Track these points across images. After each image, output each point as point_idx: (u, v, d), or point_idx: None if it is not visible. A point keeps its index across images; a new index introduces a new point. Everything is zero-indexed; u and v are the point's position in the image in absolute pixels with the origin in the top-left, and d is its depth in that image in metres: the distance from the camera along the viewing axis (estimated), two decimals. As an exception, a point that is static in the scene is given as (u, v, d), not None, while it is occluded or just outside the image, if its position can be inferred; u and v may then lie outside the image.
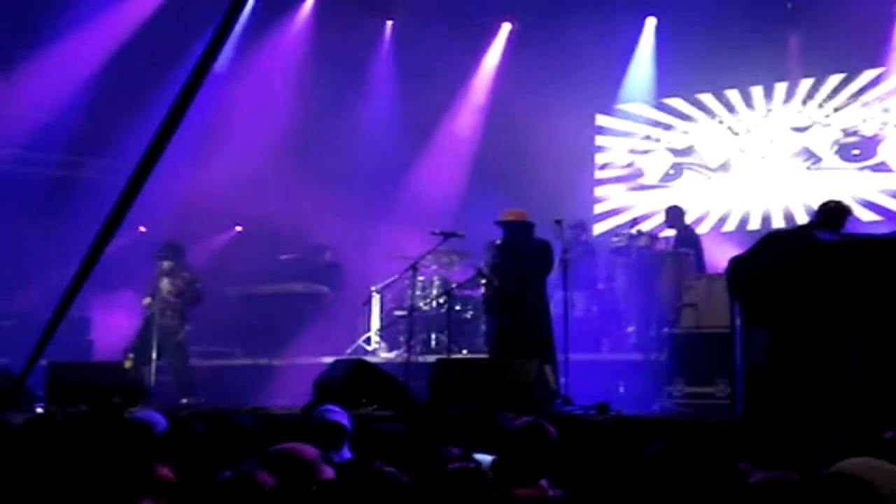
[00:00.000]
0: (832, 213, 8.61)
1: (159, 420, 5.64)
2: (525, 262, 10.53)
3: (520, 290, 10.50)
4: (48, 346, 4.12)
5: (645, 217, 15.37)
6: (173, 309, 12.59)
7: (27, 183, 15.36)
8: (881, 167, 14.64)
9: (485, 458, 4.91)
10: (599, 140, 17.13)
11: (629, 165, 16.81)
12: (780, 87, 15.58)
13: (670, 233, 13.72)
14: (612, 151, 17.01)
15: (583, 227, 14.46)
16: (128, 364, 10.97)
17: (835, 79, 15.13)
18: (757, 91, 15.77)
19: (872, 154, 14.76)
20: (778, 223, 14.76)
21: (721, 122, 16.04)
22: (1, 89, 14.76)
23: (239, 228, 16.62)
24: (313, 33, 16.56)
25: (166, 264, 12.64)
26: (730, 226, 15.47)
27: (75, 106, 15.10)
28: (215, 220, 15.96)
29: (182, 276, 12.72)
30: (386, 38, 17.30)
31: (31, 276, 14.37)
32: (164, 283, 12.62)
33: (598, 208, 16.80)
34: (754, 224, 15.20)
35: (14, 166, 15.72)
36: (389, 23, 17.25)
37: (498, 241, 11.08)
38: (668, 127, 16.49)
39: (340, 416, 6.01)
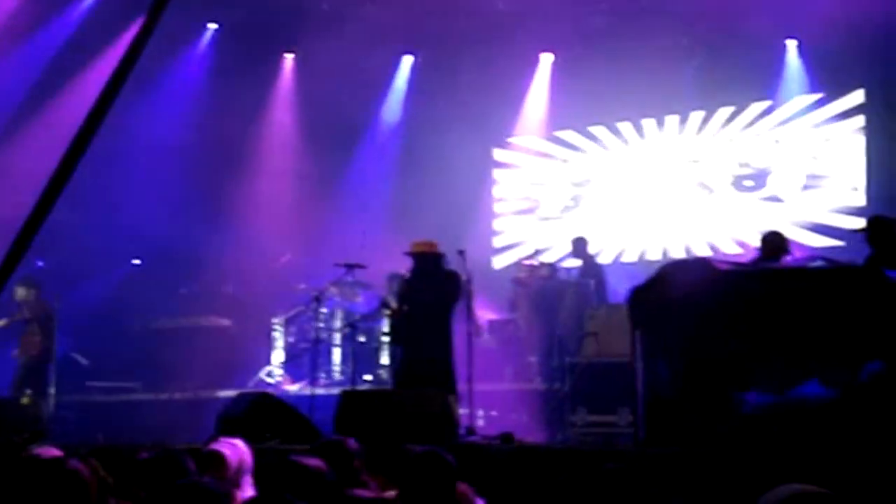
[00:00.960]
0: (769, 243, 9.15)
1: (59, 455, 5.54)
2: (435, 292, 10.52)
3: (427, 321, 10.49)
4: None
5: (546, 249, 15.54)
6: None
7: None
8: (773, 198, 14.98)
9: None
10: (497, 173, 17.28)
11: (528, 198, 16.98)
12: (675, 120, 15.87)
13: (575, 263, 13.92)
14: (511, 184, 17.17)
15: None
16: (25, 400, 10.76)
17: (727, 111, 15.44)
18: (652, 123, 16.05)
19: (763, 184, 15.11)
20: (677, 253, 15.02)
21: (619, 154, 16.29)
22: None
23: (137, 262, 16.39)
24: (214, 65, 16.47)
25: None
26: (629, 256, 15.71)
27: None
28: (114, 252, 15.70)
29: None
30: (286, 71, 17.26)
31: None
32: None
33: (498, 241, 16.94)
34: (654, 254, 15.45)
35: None
36: (290, 56, 17.22)
37: (406, 272, 11.05)
38: (566, 159, 16.70)
39: (234, 448, 5.97)
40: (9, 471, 4.43)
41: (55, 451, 5.69)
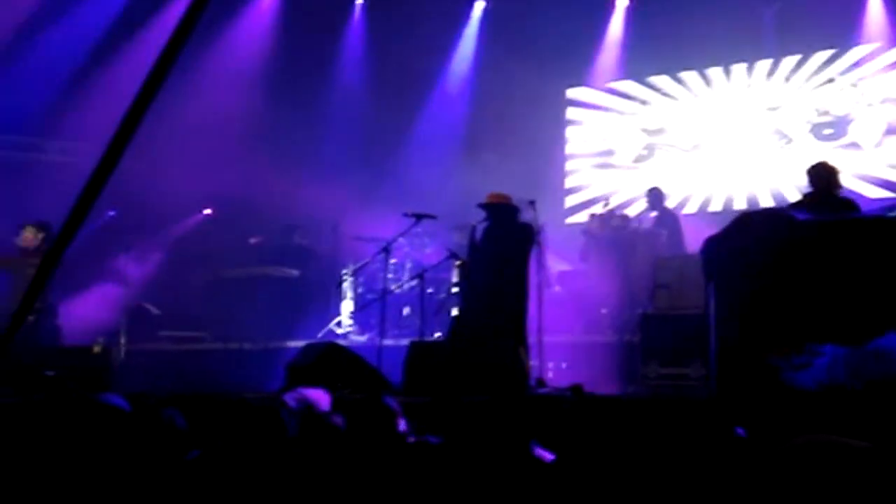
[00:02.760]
0: (819, 175, 8.86)
1: (122, 404, 5.54)
2: (510, 242, 10.42)
3: (502, 271, 10.40)
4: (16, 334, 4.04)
5: (617, 199, 15.35)
6: None
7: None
8: (852, 146, 14.67)
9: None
10: (570, 121, 17.07)
11: (600, 147, 16.77)
12: (750, 66, 15.57)
13: (650, 214, 13.79)
14: (583, 133, 16.96)
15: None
16: (97, 348, 10.83)
17: (806, 57, 15.12)
18: (730, 70, 15.75)
19: (843, 133, 14.79)
20: (751, 203, 14.76)
21: (694, 102, 16.01)
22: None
23: (208, 211, 16.49)
24: (282, 13, 16.43)
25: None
26: (702, 206, 15.46)
27: (40, 88, 14.93)
28: (184, 203, 15.80)
29: None
30: (356, 18, 17.17)
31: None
32: None
33: (569, 191, 16.75)
34: (727, 204, 15.20)
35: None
36: (359, 2, 17.12)
37: (475, 223, 10.94)
38: (641, 105, 16.45)
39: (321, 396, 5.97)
40: (80, 418, 4.42)
41: (121, 401, 5.69)
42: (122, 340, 13.46)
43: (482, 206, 10.63)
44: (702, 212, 15.19)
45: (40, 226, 11.76)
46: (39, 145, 16.02)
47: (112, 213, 14.62)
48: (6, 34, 14.65)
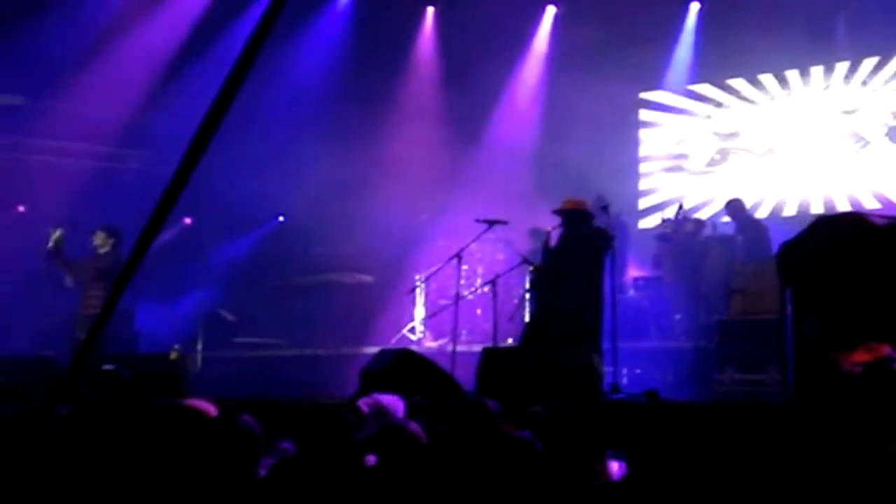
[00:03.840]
0: None
1: (209, 408, 5.59)
2: (584, 250, 10.37)
3: (577, 276, 10.36)
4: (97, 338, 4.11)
5: (691, 202, 15.22)
6: None
7: (75, 174, 15.43)
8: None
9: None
10: (643, 126, 16.96)
11: (673, 153, 16.63)
12: (828, 69, 15.35)
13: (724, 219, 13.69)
14: (656, 138, 16.85)
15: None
16: (174, 355, 10.96)
17: (880, 60, 14.88)
18: (808, 72, 15.53)
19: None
20: (828, 208, 14.54)
21: (767, 106, 15.83)
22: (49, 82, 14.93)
23: (281, 219, 16.64)
24: (355, 18, 16.54)
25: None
26: (776, 210, 15.26)
27: (119, 98, 15.17)
28: (258, 210, 15.97)
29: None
30: (427, 24, 17.23)
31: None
32: None
33: (642, 196, 16.64)
34: (802, 209, 14.97)
35: (61, 158, 15.82)
36: (431, 9, 17.18)
37: (553, 229, 10.90)
38: (716, 108, 16.29)
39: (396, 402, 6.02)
40: (164, 424, 4.48)
41: (210, 406, 5.74)
42: (199, 347, 13.63)
43: (557, 211, 10.60)
44: (775, 216, 14.96)
45: (110, 231, 11.92)
46: (119, 155, 16.28)
47: (188, 220, 14.82)
48: (86, 44, 14.92)
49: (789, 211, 15.13)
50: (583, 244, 10.39)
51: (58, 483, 4.00)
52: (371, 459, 4.82)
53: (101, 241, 11.91)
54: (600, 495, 4.12)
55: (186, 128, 3.51)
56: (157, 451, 4.21)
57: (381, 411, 5.93)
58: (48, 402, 4.11)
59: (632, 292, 13.36)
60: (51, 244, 11.81)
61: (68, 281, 11.98)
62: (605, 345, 10.14)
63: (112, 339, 11.41)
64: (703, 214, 14.62)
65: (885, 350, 7.28)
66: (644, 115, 16.95)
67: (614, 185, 14.95)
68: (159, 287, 14.78)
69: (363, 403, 6.12)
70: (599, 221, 10.72)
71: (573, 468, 4.51)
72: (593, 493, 4.21)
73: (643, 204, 16.51)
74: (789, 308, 8.20)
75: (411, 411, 6.17)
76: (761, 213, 15.00)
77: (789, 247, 8.34)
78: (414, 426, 4.79)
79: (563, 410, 4.96)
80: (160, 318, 14.23)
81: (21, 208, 15.53)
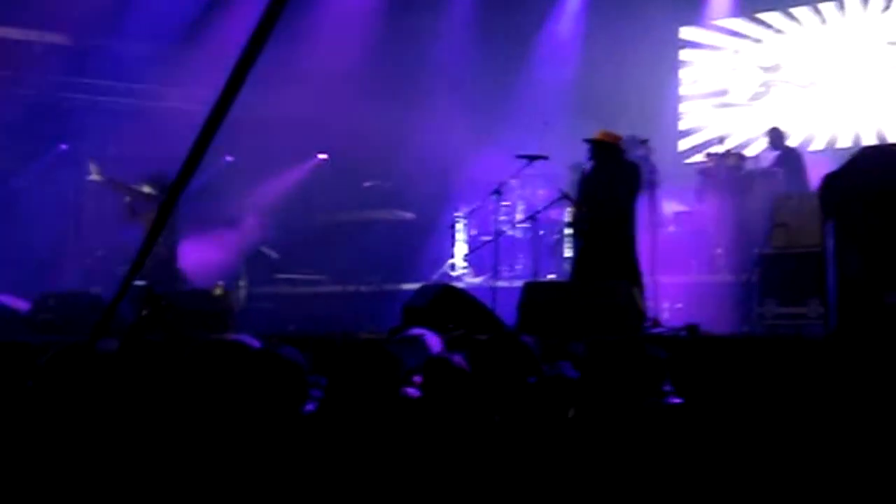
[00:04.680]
0: None
1: (253, 342, 5.64)
2: (614, 185, 10.34)
3: (608, 214, 10.34)
4: (138, 274, 4.16)
5: (733, 137, 15.07)
6: None
7: (115, 114, 15.50)
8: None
9: None
10: (684, 60, 16.76)
11: (715, 86, 16.44)
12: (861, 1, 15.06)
13: (770, 153, 13.57)
14: (698, 71, 16.64)
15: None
16: (218, 291, 11.08)
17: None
18: (843, 4, 15.26)
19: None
20: (870, 140, 14.33)
21: (812, 36, 15.57)
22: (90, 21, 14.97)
23: (323, 156, 16.65)
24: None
25: None
26: (820, 144, 15.06)
27: (159, 35, 15.17)
28: (299, 147, 15.99)
29: None
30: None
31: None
32: None
33: (684, 130, 16.48)
34: (845, 142, 14.77)
35: (104, 97, 15.90)
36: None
37: (586, 163, 10.90)
38: (754, 43, 16.06)
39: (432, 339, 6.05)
40: (209, 359, 4.53)
41: (253, 340, 5.79)
42: (242, 284, 13.74)
43: (588, 140, 10.55)
44: (829, 148, 14.73)
45: (154, 181, 12.05)
46: (160, 92, 16.31)
47: (230, 158, 14.88)
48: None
49: (843, 143, 14.87)
50: (609, 179, 10.37)
51: (104, 418, 4.07)
52: (413, 392, 4.86)
53: (148, 191, 12.06)
54: (646, 423, 4.14)
55: (227, 65, 3.52)
56: (203, 386, 4.27)
57: (420, 344, 5.97)
58: (91, 338, 4.17)
59: (672, 227, 13.31)
60: (93, 175, 11.97)
61: (130, 214, 12.12)
62: (646, 279, 10.14)
63: (157, 276, 11.55)
64: (746, 149, 14.45)
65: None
66: (683, 53, 16.73)
67: (655, 120, 14.85)
68: (202, 225, 14.87)
69: (402, 337, 6.17)
70: (636, 156, 10.67)
71: (616, 402, 4.53)
72: (643, 419, 4.22)
73: (685, 143, 16.36)
74: (831, 241, 8.15)
75: (448, 345, 6.21)
76: (814, 146, 14.77)
77: (832, 179, 8.28)
78: (457, 358, 4.81)
79: (604, 344, 4.99)
80: (204, 256, 14.35)
81: (64, 146, 15.64)
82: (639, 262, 10.28)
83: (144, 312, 9.83)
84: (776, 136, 13.59)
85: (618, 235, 10.23)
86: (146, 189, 11.99)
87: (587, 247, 10.58)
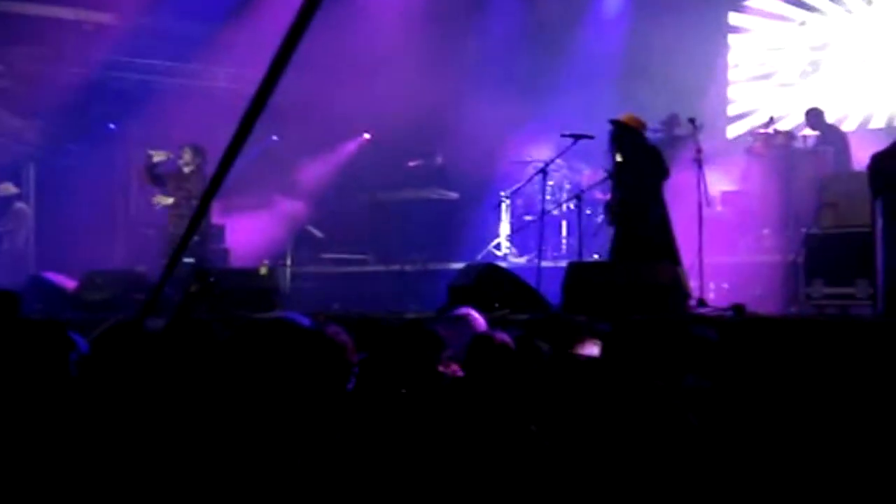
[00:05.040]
0: None
1: (303, 320, 5.65)
2: (638, 168, 10.34)
3: (633, 200, 10.35)
4: (185, 253, 4.20)
5: (782, 117, 14.89)
6: None
7: (159, 93, 15.60)
8: None
9: None
10: (732, 38, 16.59)
11: (764, 64, 16.26)
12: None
13: (811, 133, 13.42)
14: (746, 49, 16.47)
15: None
16: (263, 270, 11.14)
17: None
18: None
19: None
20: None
21: (861, 15, 15.36)
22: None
23: (367, 136, 16.68)
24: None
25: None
26: (872, 123, 14.85)
27: (208, 15, 15.23)
28: (344, 127, 16.02)
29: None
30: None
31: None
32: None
33: (732, 109, 16.32)
34: (880, 122, 14.53)
35: (147, 76, 16.00)
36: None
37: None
38: (805, 22, 15.86)
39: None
40: (257, 337, 4.56)
41: (303, 318, 5.80)
42: (288, 263, 13.80)
43: (611, 121, 10.52)
44: (868, 128, 14.56)
45: (197, 150, 12.17)
46: (207, 72, 16.40)
47: (275, 138, 14.94)
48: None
49: (874, 123, 14.70)
50: (634, 162, 10.40)
51: (152, 396, 4.10)
52: (456, 371, 4.88)
53: (187, 159, 12.16)
54: (684, 402, 4.12)
55: (273, 45, 3.53)
56: (248, 365, 4.29)
57: (465, 323, 5.99)
58: (138, 316, 4.21)
59: (719, 207, 13.22)
60: (147, 163, 12.11)
61: (160, 200, 12.24)
62: (693, 259, 10.08)
63: (204, 255, 11.65)
64: (792, 128, 14.29)
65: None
66: (732, 39, 16.54)
67: (703, 100, 14.73)
68: (249, 203, 14.96)
69: (448, 316, 6.19)
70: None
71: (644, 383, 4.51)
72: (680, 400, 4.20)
73: (732, 112, 16.20)
74: (880, 220, 8.09)
75: (492, 323, 6.22)
76: (849, 126, 14.62)
77: (881, 157, 8.21)
78: (502, 335, 4.82)
79: (632, 324, 4.97)
80: (250, 235, 14.44)
81: (112, 126, 15.77)
82: (675, 242, 10.22)
83: (193, 289, 9.93)
84: (815, 116, 13.45)
85: (649, 218, 10.19)
86: (186, 156, 12.12)
87: (621, 230, 10.54)
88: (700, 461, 3.43)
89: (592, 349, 4.82)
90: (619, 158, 10.48)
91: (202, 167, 12.06)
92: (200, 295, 9.99)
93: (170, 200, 12.13)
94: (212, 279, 10.19)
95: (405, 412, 4.07)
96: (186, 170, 12.16)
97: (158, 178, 12.32)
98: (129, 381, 4.14)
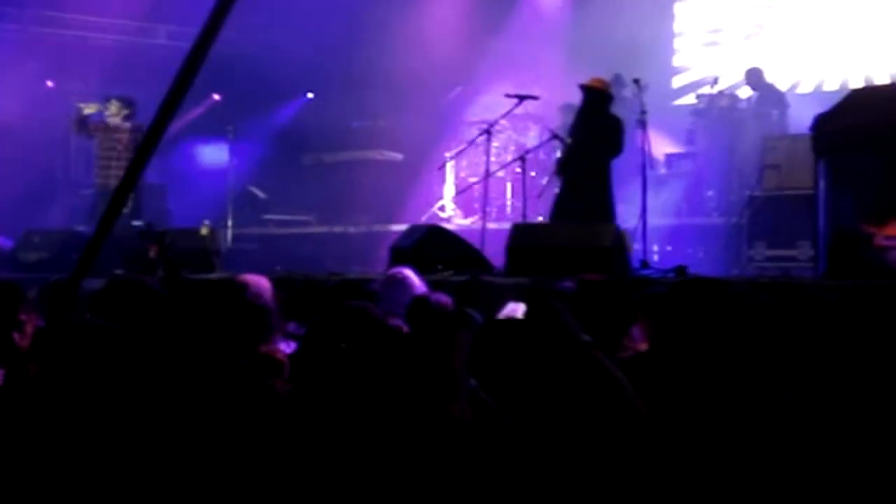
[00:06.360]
0: None
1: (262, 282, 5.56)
2: (596, 138, 10.37)
3: (584, 164, 10.40)
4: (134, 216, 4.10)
5: (726, 77, 14.89)
6: None
7: (100, 50, 15.34)
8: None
9: None
10: (679, 5, 16.55)
11: (709, 26, 16.24)
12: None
13: (749, 93, 13.45)
14: (692, 11, 16.45)
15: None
16: (204, 231, 11.00)
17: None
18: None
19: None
20: (867, 83, 14.13)
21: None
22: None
23: (310, 95, 16.50)
24: None
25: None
26: (826, 86, 14.82)
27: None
28: (287, 86, 15.83)
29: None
30: None
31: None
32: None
33: (677, 70, 16.31)
34: (832, 85, 14.57)
35: (85, 33, 15.72)
36: None
37: (577, 105, 10.87)
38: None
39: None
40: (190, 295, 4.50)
41: (263, 280, 5.69)
42: (229, 223, 13.65)
43: (582, 86, 10.52)
44: (817, 91, 14.58)
45: (124, 101, 12.05)
46: (146, 29, 16.14)
47: (217, 96, 14.74)
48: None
49: (830, 86, 14.73)
50: (594, 132, 10.41)
51: (90, 349, 4.02)
52: (401, 327, 4.83)
53: (114, 111, 12.05)
54: (626, 368, 4.10)
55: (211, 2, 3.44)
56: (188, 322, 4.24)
57: (402, 284, 5.95)
58: (74, 276, 4.10)
59: (663, 169, 13.24)
60: (77, 116, 11.98)
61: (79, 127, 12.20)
62: (636, 221, 10.09)
63: (144, 214, 11.51)
64: (739, 91, 14.29)
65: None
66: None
67: (648, 60, 14.68)
68: (189, 163, 14.78)
69: (385, 276, 6.15)
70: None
71: (602, 341, 4.48)
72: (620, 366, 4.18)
73: (678, 81, 16.21)
74: (823, 183, 8.10)
75: (432, 286, 6.19)
76: (803, 90, 14.64)
77: (824, 120, 8.21)
78: (440, 297, 4.78)
79: (594, 284, 4.95)
80: (191, 195, 14.27)
81: (50, 83, 15.49)
82: (614, 213, 10.28)
83: (152, 254, 9.80)
84: (755, 75, 13.48)
85: (595, 185, 10.27)
86: (113, 107, 12.00)
87: (566, 191, 10.60)
88: (628, 423, 3.40)
89: (516, 311, 4.77)
90: (587, 126, 10.48)
91: (130, 119, 11.98)
92: (161, 258, 9.88)
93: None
94: (167, 241, 10.07)
95: (347, 368, 4.02)
96: (113, 122, 12.04)
97: (88, 129, 12.21)
98: (66, 346, 4.04)
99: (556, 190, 11.58)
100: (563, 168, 10.77)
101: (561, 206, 10.61)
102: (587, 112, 10.55)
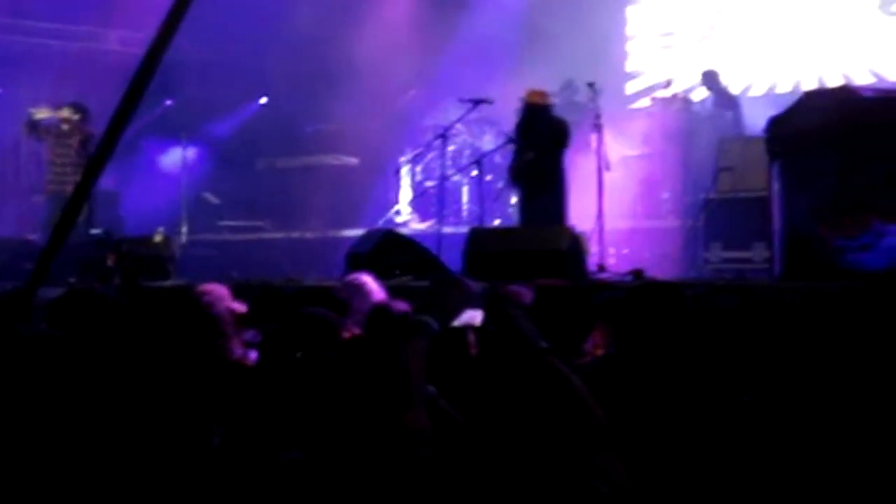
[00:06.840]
0: None
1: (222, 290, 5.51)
2: (540, 145, 10.49)
3: (534, 170, 10.53)
4: (76, 221, 4.04)
5: (680, 80, 14.96)
6: None
7: (49, 56, 15.19)
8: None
9: None
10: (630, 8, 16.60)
11: (663, 28, 16.30)
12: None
13: (704, 94, 13.52)
14: (646, 12, 16.50)
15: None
16: (158, 238, 10.92)
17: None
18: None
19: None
20: (821, 84, 14.23)
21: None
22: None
23: (264, 100, 16.41)
24: None
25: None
26: (778, 89, 14.88)
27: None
28: (240, 91, 15.74)
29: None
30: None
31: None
32: None
33: (631, 73, 16.36)
34: (785, 87, 14.64)
35: (37, 39, 15.56)
36: None
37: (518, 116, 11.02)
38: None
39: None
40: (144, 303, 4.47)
41: (222, 289, 5.64)
42: (183, 230, 13.56)
43: (522, 100, 10.68)
44: (770, 93, 14.66)
45: (76, 107, 12.04)
46: (98, 35, 15.99)
47: (169, 102, 14.62)
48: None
49: (783, 88, 14.81)
50: (540, 135, 10.60)
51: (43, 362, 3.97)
52: (359, 334, 4.81)
53: (66, 116, 12.05)
54: (586, 373, 4.10)
55: (164, 7, 3.42)
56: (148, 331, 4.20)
57: (361, 290, 5.92)
58: (29, 285, 4.05)
59: (618, 172, 13.27)
60: (28, 120, 11.95)
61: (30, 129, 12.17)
62: (592, 225, 10.12)
63: (98, 223, 11.41)
64: (693, 93, 14.36)
65: (872, 221, 7.27)
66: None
67: (603, 61, 14.73)
68: (143, 170, 14.65)
69: (343, 282, 6.12)
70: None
71: (561, 346, 4.48)
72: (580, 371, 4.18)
73: (632, 85, 16.25)
74: (777, 184, 8.16)
75: (390, 292, 6.17)
76: (755, 92, 14.73)
77: (778, 122, 8.27)
78: (400, 305, 4.76)
79: (552, 290, 4.95)
80: (144, 202, 14.15)
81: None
82: (565, 213, 10.36)
83: (110, 262, 9.73)
84: (710, 77, 13.56)
85: (549, 189, 10.36)
86: (65, 113, 11.98)
87: (523, 197, 10.73)
88: (585, 429, 3.39)
89: (474, 318, 4.76)
90: (533, 129, 10.60)
91: (81, 125, 11.95)
92: (119, 266, 9.81)
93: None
94: (124, 249, 10.00)
95: (302, 377, 4.00)
96: (65, 127, 11.99)
97: (38, 132, 12.18)
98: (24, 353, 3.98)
99: (513, 194, 11.66)
100: (515, 175, 10.86)
101: (521, 212, 10.70)
102: (529, 123, 10.76)
